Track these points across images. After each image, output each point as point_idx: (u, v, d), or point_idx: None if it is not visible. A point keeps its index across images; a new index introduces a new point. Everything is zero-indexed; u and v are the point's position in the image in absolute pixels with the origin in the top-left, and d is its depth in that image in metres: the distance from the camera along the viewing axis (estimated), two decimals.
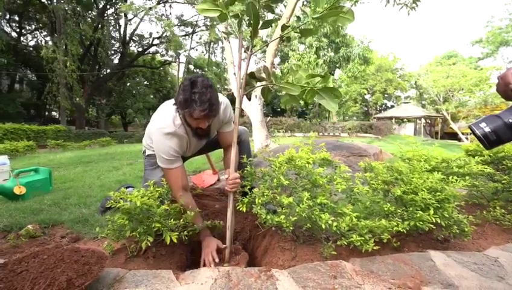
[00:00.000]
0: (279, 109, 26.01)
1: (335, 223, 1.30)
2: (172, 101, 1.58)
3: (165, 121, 1.49)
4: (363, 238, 1.32)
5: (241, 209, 1.45)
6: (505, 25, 21.32)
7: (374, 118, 24.74)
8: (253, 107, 4.81)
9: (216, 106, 1.37)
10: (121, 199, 1.38)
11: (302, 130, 15.48)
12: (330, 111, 25.50)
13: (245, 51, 1.39)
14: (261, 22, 1.33)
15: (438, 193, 1.40)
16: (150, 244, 1.31)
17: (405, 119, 24.38)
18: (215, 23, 17.82)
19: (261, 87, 1.53)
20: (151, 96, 22.63)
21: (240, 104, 1.34)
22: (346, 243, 1.33)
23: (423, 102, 28.72)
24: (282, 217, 1.31)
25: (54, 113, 24.65)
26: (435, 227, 1.36)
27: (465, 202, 2.04)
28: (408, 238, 1.60)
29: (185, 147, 1.59)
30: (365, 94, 27.12)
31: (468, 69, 20.79)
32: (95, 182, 2.95)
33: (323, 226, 1.28)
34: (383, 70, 26.26)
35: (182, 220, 1.37)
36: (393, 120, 22.63)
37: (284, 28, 1.29)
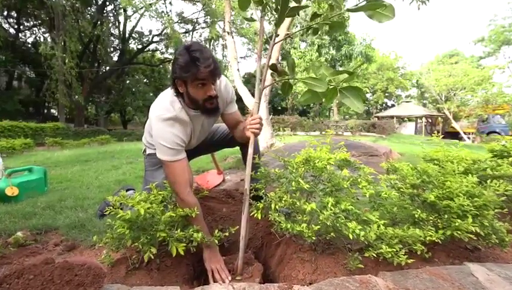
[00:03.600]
0: (279, 108, 25.84)
1: (362, 233, 1.15)
2: (168, 90, 1.42)
3: (163, 107, 1.33)
4: (393, 249, 1.17)
5: (255, 216, 1.30)
6: (508, 24, 21.13)
7: (375, 116, 24.59)
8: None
9: (218, 64, 1.26)
10: (121, 204, 1.23)
11: (305, 129, 15.30)
12: (332, 110, 25.39)
13: (266, 41, 1.24)
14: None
15: (476, 199, 1.25)
16: (153, 257, 1.16)
17: (405, 118, 24.22)
18: (215, 20, 17.64)
19: (271, 82, 1.39)
20: (151, 94, 22.40)
21: (259, 98, 1.19)
22: (374, 255, 1.18)
23: (424, 101, 28.57)
24: (304, 225, 1.16)
25: (53, 110, 24.42)
26: (475, 237, 1.21)
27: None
28: (436, 247, 1.45)
29: (188, 135, 1.42)
30: (366, 93, 26.93)
31: (470, 68, 20.61)
32: (93, 182, 2.79)
33: (351, 236, 1.13)
34: (384, 69, 26.07)
35: (190, 230, 1.21)
36: (395, 119, 22.48)
37: (314, 16, 1.14)
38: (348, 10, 1.21)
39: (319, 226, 1.17)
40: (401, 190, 1.39)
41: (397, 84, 27.45)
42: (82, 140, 9.86)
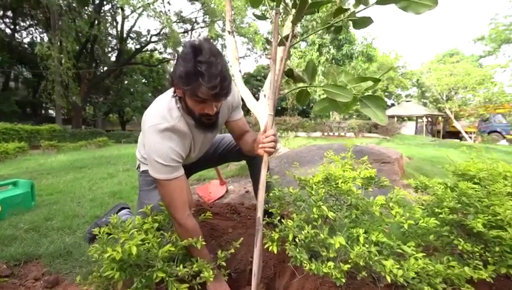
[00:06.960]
0: (279, 108, 25.64)
1: (400, 272, 0.96)
2: (165, 94, 1.21)
3: (159, 115, 1.12)
4: None
5: (270, 249, 1.10)
6: (509, 22, 20.97)
7: None
8: (262, 108, 4.44)
9: (229, 82, 1.00)
10: (109, 236, 1.04)
11: (306, 130, 15.06)
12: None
13: (280, 43, 1.04)
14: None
15: None
16: None
17: (406, 118, 24.04)
18: (215, 19, 17.43)
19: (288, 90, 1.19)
20: (150, 95, 22.20)
21: (273, 110, 0.98)
22: None
23: (424, 100, 28.42)
24: (331, 264, 0.97)
25: (50, 111, 24.15)
26: None
27: None
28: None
29: (187, 148, 1.21)
30: None
31: (471, 67, 20.44)
32: (86, 194, 2.58)
33: (389, 279, 0.93)
34: (385, 68, 25.91)
35: (195, 266, 1.02)
36: (395, 119, 22.28)
37: (339, 11, 0.94)
38: (378, 3, 1.03)
39: (349, 265, 0.97)
40: (441, 216, 1.18)
41: (397, 83, 27.32)
42: (79, 142, 9.63)
